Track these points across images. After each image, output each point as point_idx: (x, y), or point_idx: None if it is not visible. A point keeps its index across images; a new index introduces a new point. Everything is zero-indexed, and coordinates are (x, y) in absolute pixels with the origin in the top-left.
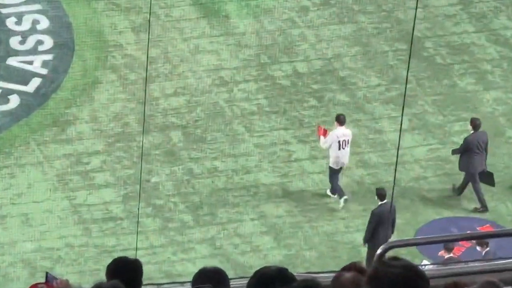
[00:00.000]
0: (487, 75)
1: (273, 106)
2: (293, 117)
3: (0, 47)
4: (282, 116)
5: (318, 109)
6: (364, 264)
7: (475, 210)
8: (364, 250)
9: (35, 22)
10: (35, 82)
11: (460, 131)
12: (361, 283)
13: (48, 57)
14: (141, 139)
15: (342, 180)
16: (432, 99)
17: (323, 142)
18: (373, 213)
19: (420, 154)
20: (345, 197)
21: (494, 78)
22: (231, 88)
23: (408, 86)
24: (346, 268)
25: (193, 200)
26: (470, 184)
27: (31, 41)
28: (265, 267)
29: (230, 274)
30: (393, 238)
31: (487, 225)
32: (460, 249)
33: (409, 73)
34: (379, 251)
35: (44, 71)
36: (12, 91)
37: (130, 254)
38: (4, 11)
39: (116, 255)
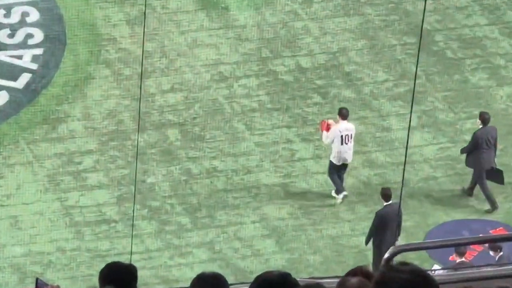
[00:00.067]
0: (500, 70)
1: (275, 103)
2: (296, 114)
3: None
4: (285, 113)
5: (322, 106)
6: (370, 268)
7: (489, 211)
8: (370, 254)
9: (24, 14)
10: (25, 78)
11: (472, 129)
12: None
13: (39, 51)
14: (136, 137)
15: (347, 180)
16: (442, 95)
17: (325, 137)
18: (376, 215)
19: (429, 153)
20: (344, 193)
21: (508, 73)
22: (231, 84)
23: (417, 81)
24: (351, 273)
25: (191, 201)
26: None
27: (20, 35)
28: (267, 272)
29: (230, 279)
30: (399, 240)
31: (500, 228)
32: (472, 253)
33: (418, 68)
34: (386, 255)
35: (34, 66)
36: (0, 87)
37: (125, 259)
38: None
39: (110, 259)
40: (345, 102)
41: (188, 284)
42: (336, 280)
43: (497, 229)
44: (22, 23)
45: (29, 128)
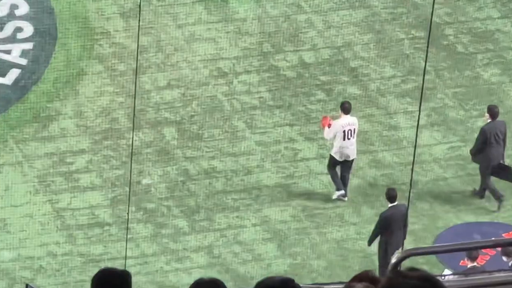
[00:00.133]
0: None
1: (277, 100)
2: (299, 112)
3: None
4: (287, 111)
5: (326, 103)
6: (377, 273)
7: (499, 208)
8: (377, 258)
9: (13, 7)
10: (14, 74)
11: None
12: None
13: (28, 45)
14: (131, 136)
15: (352, 181)
16: (452, 92)
17: (327, 133)
18: (381, 216)
19: (439, 153)
20: (342, 192)
21: None
22: (230, 80)
23: (426, 77)
24: (357, 278)
25: (189, 203)
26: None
27: (9, 28)
28: (269, 278)
29: (229, 285)
30: (405, 244)
31: None
32: (484, 257)
33: (427, 64)
34: (393, 260)
35: (23, 62)
36: None
37: (119, 264)
38: None
39: (103, 264)
40: (351, 99)
41: None
42: (341, 286)
43: (510, 232)
44: (10, 16)
45: (18, 126)
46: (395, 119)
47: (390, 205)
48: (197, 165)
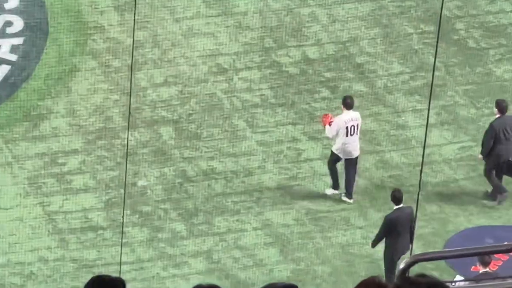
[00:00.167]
0: None
1: (279, 98)
2: (303, 110)
3: None
4: (290, 109)
5: (331, 101)
6: (384, 279)
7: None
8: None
9: (2, 0)
10: (3, 70)
11: None
12: None
13: (18, 41)
14: (126, 136)
15: (359, 183)
16: (463, 89)
17: (329, 131)
18: (385, 219)
19: (449, 153)
20: (337, 191)
21: None
22: (230, 77)
23: (435, 74)
24: (363, 284)
25: (187, 206)
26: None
27: None
28: (271, 285)
29: None
30: (411, 248)
31: None
32: (497, 263)
33: (437, 59)
34: (402, 265)
35: (13, 57)
36: None
37: (114, 269)
38: None
39: (96, 270)
40: (357, 96)
41: None
42: None
43: None
44: None
45: (8, 125)
46: (403, 118)
47: (395, 207)
48: (196, 166)
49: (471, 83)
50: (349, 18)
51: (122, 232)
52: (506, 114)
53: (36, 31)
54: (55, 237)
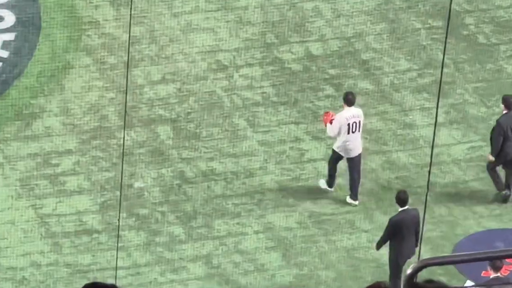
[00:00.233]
0: None
1: (282, 96)
2: (306, 108)
3: None
4: (292, 108)
5: (335, 99)
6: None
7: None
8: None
9: None
10: None
11: None
12: None
13: (9, 36)
14: (122, 135)
15: (366, 185)
16: (473, 86)
17: (331, 129)
18: (390, 221)
19: (459, 153)
20: (331, 189)
21: None
22: (230, 74)
23: (444, 71)
24: None
25: (185, 209)
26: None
27: None
28: None
29: None
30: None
31: None
32: (508, 268)
33: (445, 56)
34: (409, 270)
35: (4, 54)
36: None
37: (109, 274)
38: None
39: (91, 275)
40: (362, 94)
41: None
42: None
43: None
44: None
45: None
46: (410, 117)
47: (400, 209)
48: (194, 167)
49: (481, 80)
50: (354, 13)
51: (118, 236)
52: None
53: (28, 26)
54: (48, 241)
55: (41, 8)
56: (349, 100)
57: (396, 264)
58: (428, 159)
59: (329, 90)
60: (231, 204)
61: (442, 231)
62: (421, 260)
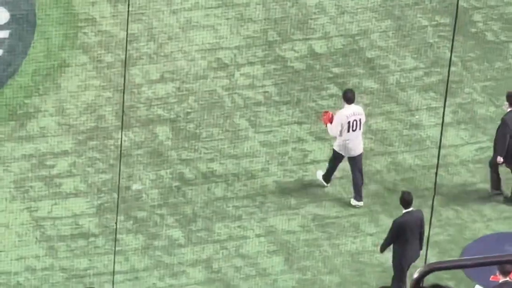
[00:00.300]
0: None
1: (284, 95)
2: (309, 108)
3: None
4: (295, 107)
5: (339, 98)
6: None
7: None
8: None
9: None
10: None
11: None
12: None
13: (3, 34)
14: (120, 136)
15: (370, 187)
16: (481, 85)
17: (331, 129)
18: (393, 223)
19: (466, 154)
20: (328, 185)
21: None
22: (231, 73)
23: (452, 69)
24: None
25: (185, 212)
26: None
27: None
28: None
29: None
30: (429, 257)
31: None
32: None
33: (453, 54)
34: (415, 275)
35: None
36: None
37: (106, 279)
38: None
39: (88, 280)
40: (367, 93)
41: None
42: None
43: None
44: None
45: None
46: (417, 117)
47: (404, 211)
48: (194, 169)
49: (490, 79)
50: (359, 10)
51: (115, 240)
52: None
53: (23, 24)
54: (43, 245)
55: (36, 4)
56: (348, 97)
57: (399, 268)
58: (435, 161)
59: (333, 89)
60: (232, 206)
61: (449, 235)
62: (428, 264)
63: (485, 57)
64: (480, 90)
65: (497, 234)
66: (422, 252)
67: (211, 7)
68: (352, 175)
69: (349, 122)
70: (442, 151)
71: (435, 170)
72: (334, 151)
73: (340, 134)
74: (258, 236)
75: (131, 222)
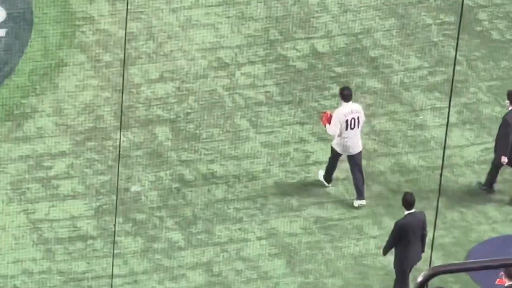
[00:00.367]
0: None
1: (286, 95)
2: (311, 108)
3: None
4: (297, 107)
5: None
6: None
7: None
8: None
9: None
10: None
11: None
12: None
13: (0, 32)
14: (118, 136)
15: (372, 188)
16: (487, 85)
17: (330, 128)
18: (396, 225)
19: (472, 155)
20: (329, 185)
21: None
22: (232, 72)
23: (456, 69)
24: None
25: (184, 214)
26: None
27: None
28: None
29: None
30: (433, 259)
31: None
32: None
33: (458, 53)
34: (420, 278)
35: None
36: None
37: (105, 283)
38: None
39: (86, 283)
40: (371, 93)
41: None
42: None
43: None
44: None
45: None
46: (421, 117)
47: (406, 212)
48: (194, 170)
49: (495, 79)
50: (362, 8)
51: (114, 242)
52: None
53: (20, 22)
54: (40, 248)
55: (33, 2)
56: (345, 95)
57: (401, 270)
58: (440, 162)
59: (336, 89)
60: (233, 208)
61: (454, 237)
62: (432, 267)
63: (491, 56)
64: (485, 89)
65: (503, 236)
66: (427, 255)
67: (212, 5)
68: (352, 174)
69: (347, 121)
70: (447, 152)
71: (439, 171)
72: (332, 149)
73: (340, 133)
74: (259, 238)
75: (130, 224)
